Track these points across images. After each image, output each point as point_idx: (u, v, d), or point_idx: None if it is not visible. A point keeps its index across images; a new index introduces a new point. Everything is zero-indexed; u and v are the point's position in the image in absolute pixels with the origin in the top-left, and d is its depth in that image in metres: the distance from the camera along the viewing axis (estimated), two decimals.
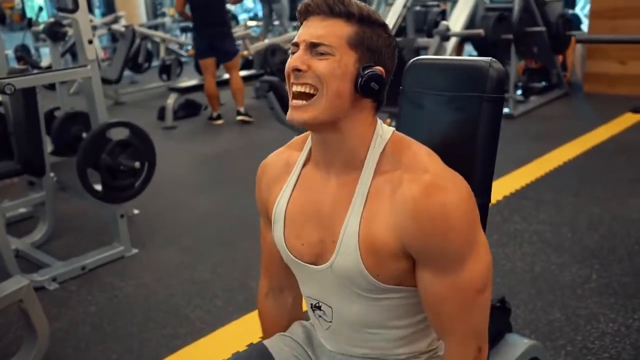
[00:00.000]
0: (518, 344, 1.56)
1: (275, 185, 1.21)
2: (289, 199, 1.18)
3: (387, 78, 1.09)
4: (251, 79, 6.86)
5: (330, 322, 1.19)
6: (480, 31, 4.62)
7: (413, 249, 1.04)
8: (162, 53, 8.25)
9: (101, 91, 2.97)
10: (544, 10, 5.83)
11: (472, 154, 1.29)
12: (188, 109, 6.51)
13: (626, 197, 3.61)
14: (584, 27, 7.04)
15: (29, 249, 3.24)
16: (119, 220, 3.17)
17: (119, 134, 3.08)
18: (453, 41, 4.74)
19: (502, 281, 2.68)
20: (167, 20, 11.11)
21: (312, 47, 1.03)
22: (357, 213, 1.07)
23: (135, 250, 3.27)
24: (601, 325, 2.31)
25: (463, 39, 5.44)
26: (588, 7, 8.15)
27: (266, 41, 7.48)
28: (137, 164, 3.01)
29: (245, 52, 7.26)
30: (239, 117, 6.13)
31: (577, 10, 8.17)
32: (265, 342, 1.31)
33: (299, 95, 1.05)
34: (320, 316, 1.21)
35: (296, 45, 1.06)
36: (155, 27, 10.19)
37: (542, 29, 5.57)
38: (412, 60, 1.43)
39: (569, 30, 6.01)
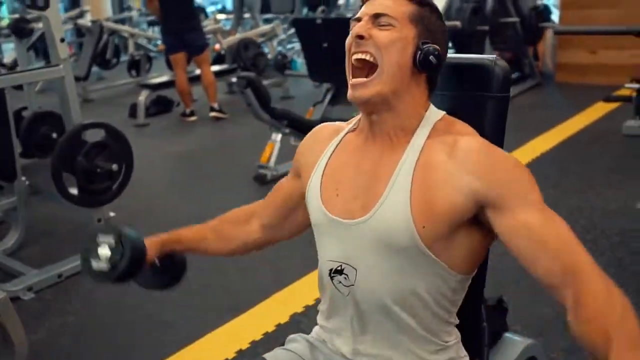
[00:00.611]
0: (516, 343, 1.54)
1: (319, 146, 1.22)
2: (329, 158, 1.20)
3: (443, 58, 1.12)
4: (223, 74, 6.75)
5: (352, 285, 1.12)
6: (457, 23, 4.61)
7: (492, 190, 1.01)
8: (130, 48, 8.07)
9: (75, 91, 2.87)
10: (516, 2, 5.86)
11: None
12: (160, 106, 6.38)
13: (603, 187, 3.64)
14: (554, 17, 7.10)
15: (1, 257, 3.12)
16: (97, 224, 3.06)
17: (94, 136, 2.97)
18: None
19: (487, 277, 2.65)
20: (134, 14, 10.88)
21: (375, 17, 1.07)
22: (409, 167, 1.07)
23: None
24: None
25: None
26: None
27: (238, 35, 7.36)
28: (114, 166, 2.91)
29: (218, 47, 7.14)
30: (212, 114, 6.02)
31: (546, 0, 8.23)
32: (266, 355, 1.26)
33: (358, 66, 1.09)
34: (340, 282, 1.14)
35: (358, 20, 1.11)
36: (122, 21, 9.96)
37: (516, 19, 5.60)
38: None
39: (542, 22, 6.06)
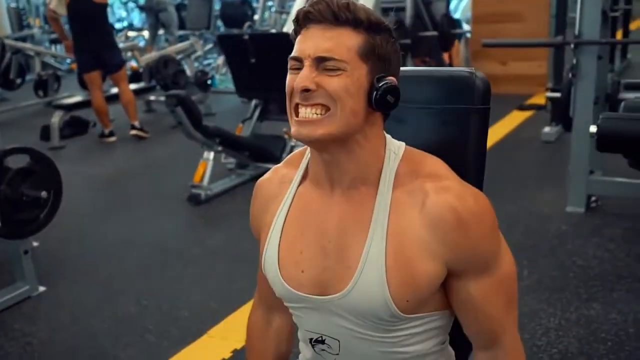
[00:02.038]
0: None
1: (268, 207, 1.10)
2: (284, 222, 1.07)
3: (399, 91, 1.00)
4: (141, 93, 6.51)
5: (337, 354, 1.08)
6: None
7: (457, 261, 0.97)
8: (37, 67, 7.62)
9: None
10: (429, 10, 6.06)
11: (462, 168, 1.24)
12: (75, 127, 6.03)
13: (535, 193, 3.80)
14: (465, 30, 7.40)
15: None
16: (23, 257, 2.83)
17: (17, 162, 2.75)
18: None
19: None
20: (35, 31, 10.31)
21: (320, 62, 0.93)
22: (381, 232, 0.98)
23: (42, 289, 2.93)
24: (543, 321, 2.38)
25: None
26: (459, 12, 8.62)
27: (154, 53, 7.14)
28: (43, 194, 2.70)
29: (135, 65, 6.88)
30: (133, 132, 5.78)
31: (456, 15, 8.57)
32: None
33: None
34: (323, 350, 1.10)
35: (297, 59, 0.95)
36: (24, 39, 9.41)
37: (434, 33, 5.78)
38: None
39: (454, 29, 6.30)
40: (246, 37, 4.31)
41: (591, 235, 3.12)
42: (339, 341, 1.06)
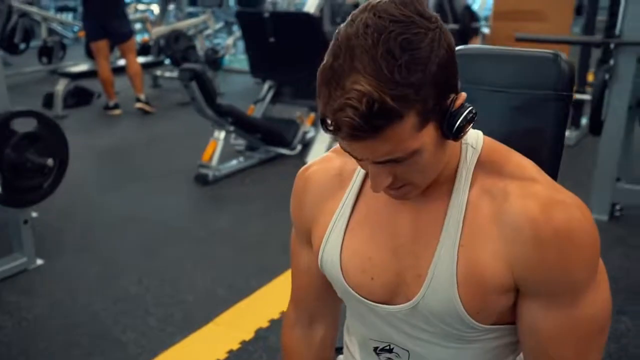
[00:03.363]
0: None
1: (326, 203, 0.96)
2: (348, 222, 0.93)
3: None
4: (149, 67, 6.33)
5: None
6: None
7: (526, 281, 0.83)
8: (43, 33, 7.42)
9: (3, 75, 2.48)
10: (451, 2, 5.90)
11: (537, 162, 1.11)
12: (79, 97, 5.87)
13: None
14: (484, 29, 7.24)
15: None
16: (22, 227, 2.68)
17: (24, 126, 2.59)
18: None
19: None
20: None
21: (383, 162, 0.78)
22: (453, 238, 0.85)
23: (40, 262, 2.79)
24: None
25: None
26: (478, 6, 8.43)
27: (168, 26, 6.94)
28: (49, 161, 2.54)
29: (147, 38, 6.69)
30: (139, 105, 5.61)
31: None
32: None
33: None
34: (390, 358, 0.98)
35: (353, 156, 0.80)
36: (30, 3, 9.18)
37: (456, 26, 5.63)
38: (459, 49, 1.21)
39: (474, 22, 6.15)
40: (266, 14, 4.15)
41: (616, 245, 2.98)
42: (408, 352, 0.95)
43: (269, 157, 4.28)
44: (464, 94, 0.80)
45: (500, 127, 1.10)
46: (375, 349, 0.98)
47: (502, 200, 0.83)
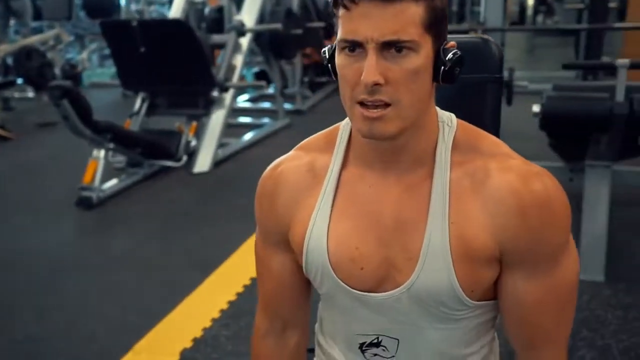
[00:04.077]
0: None
1: (303, 199, 0.94)
2: (331, 215, 0.92)
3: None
4: None
5: (393, 357, 0.95)
6: (279, 25, 4.54)
7: (511, 251, 0.86)
8: None
9: None
10: (317, 9, 6.02)
11: None
12: None
13: None
14: None
15: None
16: None
17: None
18: (248, 37, 4.58)
19: None
20: None
21: (386, 46, 0.79)
22: (442, 217, 0.86)
23: None
24: None
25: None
26: None
27: (10, 44, 6.37)
28: None
29: None
30: None
31: None
32: None
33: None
34: (376, 354, 0.96)
35: (354, 43, 0.80)
36: None
37: (322, 24, 5.74)
38: None
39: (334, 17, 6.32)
40: (135, 23, 3.96)
41: None
42: (397, 340, 0.94)
43: (153, 172, 4.10)
44: (454, 42, 0.85)
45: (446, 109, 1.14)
46: (362, 345, 0.96)
47: (483, 177, 0.86)
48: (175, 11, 4.83)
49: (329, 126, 0.98)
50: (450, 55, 0.83)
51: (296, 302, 1.03)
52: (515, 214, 0.84)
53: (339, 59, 0.83)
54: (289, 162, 0.96)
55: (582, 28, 4.41)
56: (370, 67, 0.78)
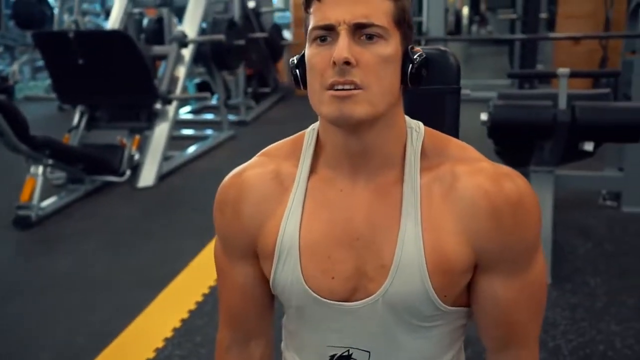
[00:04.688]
0: None
1: (270, 208, 0.91)
2: (301, 223, 0.90)
3: None
4: None
5: None
6: (222, 36, 4.49)
7: (487, 253, 0.86)
8: None
9: None
10: (259, 21, 6.00)
11: None
12: None
13: None
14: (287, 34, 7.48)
15: None
16: None
17: None
18: (191, 48, 4.51)
19: None
20: None
21: (357, 29, 0.80)
22: (415, 223, 0.86)
23: None
24: None
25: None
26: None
27: None
28: None
29: None
30: None
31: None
32: None
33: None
34: None
35: (327, 28, 0.80)
36: None
37: (264, 34, 5.73)
38: None
39: (282, 39, 6.32)
40: (72, 35, 3.82)
41: None
42: (369, 353, 0.92)
43: (95, 188, 3.96)
44: (419, 48, 0.87)
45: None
46: (332, 357, 0.94)
47: (452, 181, 0.86)
48: (113, 22, 4.70)
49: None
50: (417, 57, 0.85)
51: (260, 313, 1.01)
52: (488, 216, 0.84)
53: (309, 52, 0.83)
54: (253, 169, 0.93)
55: (520, 38, 4.58)
56: (342, 46, 0.79)
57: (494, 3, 7.13)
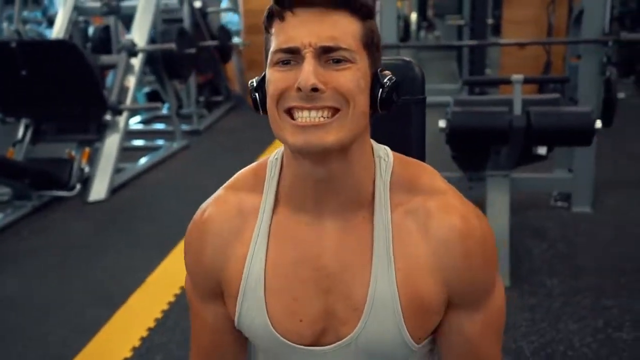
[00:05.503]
0: None
1: (233, 248, 0.88)
2: (266, 262, 0.86)
3: None
4: None
5: None
6: (172, 45, 4.40)
7: (456, 290, 0.86)
8: None
9: None
10: (206, 22, 5.92)
11: None
12: None
13: None
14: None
15: None
16: None
17: None
18: (141, 57, 4.41)
19: None
20: None
21: (324, 52, 0.76)
22: (387, 262, 0.83)
23: None
24: None
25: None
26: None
27: None
28: None
29: None
30: None
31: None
32: None
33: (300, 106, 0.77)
34: None
35: (290, 51, 0.76)
36: None
37: (215, 43, 5.66)
38: None
39: (229, 41, 6.26)
40: (14, 44, 3.68)
41: None
42: None
43: (43, 203, 3.81)
44: (389, 72, 0.84)
45: (373, 135, 1.14)
46: None
47: (425, 218, 0.83)
48: (58, 31, 4.56)
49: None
50: (387, 81, 0.82)
51: (233, 352, 0.97)
52: (461, 256, 0.83)
53: (270, 76, 0.79)
54: (216, 207, 0.90)
55: (471, 45, 4.67)
56: (307, 71, 0.74)
57: (441, 9, 7.25)
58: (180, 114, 5.56)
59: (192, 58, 5.01)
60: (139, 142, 5.38)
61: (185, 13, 5.32)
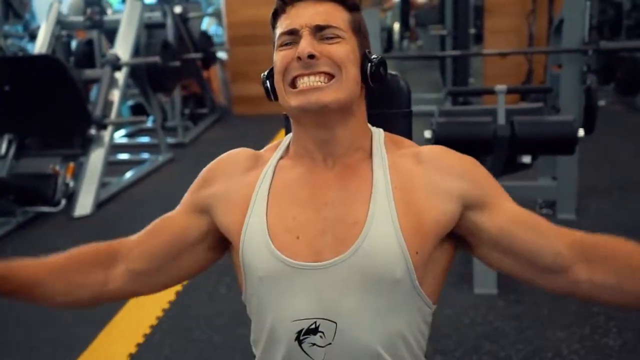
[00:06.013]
0: None
1: (242, 177, 1.02)
2: (269, 192, 0.98)
3: None
4: None
5: (330, 344, 0.93)
6: (157, 58, 4.40)
7: (475, 189, 0.96)
8: None
9: None
10: (187, 28, 5.91)
11: None
12: None
13: None
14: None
15: None
16: None
17: None
18: (125, 71, 4.40)
19: None
20: None
21: (318, 30, 0.94)
22: (384, 186, 0.94)
23: None
24: None
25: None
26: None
27: None
28: None
29: None
30: None
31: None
32: None
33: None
34: (313, 344, 0.93)
35: (291, 33, 0.94)
36: None
37: (199, 55, 5.66)
38: None
39: (211, 46, 6.26)
40: None
41: None
42: (336, 324, 0.92)
43: (28, 219, 3.78)
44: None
45: None
46: (299, 334, 0.93)
47: (415, 155, 0.98)
48: (41, 46, 4.53)
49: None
50: (374, 57, 0.98)
51: (152, 253, 1.03)
52: (457, 162, 0.97)
53: (276, 57, 0.95)
54: (238, 150, 1.06)
55: (454, 55, 4.72)
56: (305, 42, 0.91)
57: (424, 19, 7.33)
58: (165, 126, 5.55)
59: (177, 70, 5.01)
60: (124, 156, 5.36)
61: (168, 25, 5.32)
